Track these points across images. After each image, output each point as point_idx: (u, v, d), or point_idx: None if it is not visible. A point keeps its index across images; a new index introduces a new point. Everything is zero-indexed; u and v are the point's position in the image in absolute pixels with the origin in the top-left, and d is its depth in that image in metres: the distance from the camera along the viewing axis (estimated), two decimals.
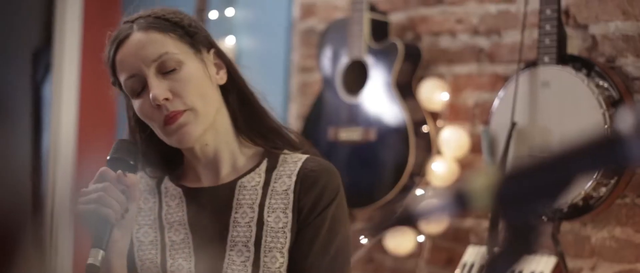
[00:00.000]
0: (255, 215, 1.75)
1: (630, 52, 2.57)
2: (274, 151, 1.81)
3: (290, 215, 1.74)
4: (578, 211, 2.57)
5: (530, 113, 2.62)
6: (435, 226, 2.90)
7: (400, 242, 3.00)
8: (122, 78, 1.73)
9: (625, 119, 0.82)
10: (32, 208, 5.19)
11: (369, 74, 3.11)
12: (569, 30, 2.69)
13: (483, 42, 2.99)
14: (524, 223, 0.80)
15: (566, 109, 2.56)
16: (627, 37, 2.58)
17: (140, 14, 1.77)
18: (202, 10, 3.87)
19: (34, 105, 5.24)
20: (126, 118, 1.85)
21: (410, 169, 2.98)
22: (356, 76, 3.14)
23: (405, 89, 3.08)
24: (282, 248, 1.73)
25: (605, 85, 2.52)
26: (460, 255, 2.89)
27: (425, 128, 3.03)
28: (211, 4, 3.95)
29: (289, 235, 1.74)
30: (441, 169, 2.97)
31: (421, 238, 3.02)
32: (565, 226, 2.69)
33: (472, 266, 2.82)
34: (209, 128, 1.74)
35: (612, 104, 2.49)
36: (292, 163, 1.78)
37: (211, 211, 1.77)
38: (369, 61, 3.11)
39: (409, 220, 0.83)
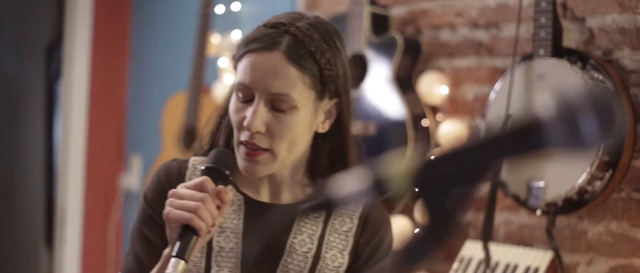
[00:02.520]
0: (314, 247, 1.73)
1: (626, 45, 2.55)
2: None
3: (347, 257, 1.74)
4: (573, 205, 2.55)
5: (525, 105, 2.61)
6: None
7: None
8: (238, 76, 1.68)
9: (546, 104, 0.81)
10: (44, 200, 5.23)
11: (369, 67, 3.10)
12: (566, 23, 2.68)
13: (482, 35, 2.98)
14: (442, 208, 0.80)
15: None
16: (624, 30, 2.56)
17: (299, 26, 1.68)
18: (208, 5, 3.88)
19: (47, 99, 5.28)
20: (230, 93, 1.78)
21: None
22: (356, 70, 3.14)
23: (405, 83, 3.07)
24: None
25: (601, 78, 2.50)
26: (458, 250, 2.88)
27: (424, 122, 3.02)
28: None
29: None
30: None
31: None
32: (562, 220, 2.67)
33: (470, 260, 2.81)
34: (283, 167, 1.71)
35: (616, 98, 2.47)
36: (349, 215, 1.77)
37: (269, 228, 1.74)
38: (369, 54, 3.11)
39: (329, 204, 0.83)
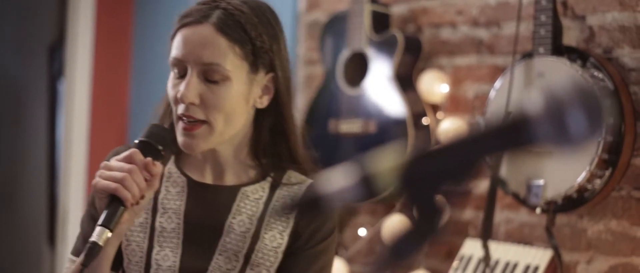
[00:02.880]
0: (253, 227, 1.74)
1: (626, 43, 2.55)
2: (279, 166, 1.79)
3: (286, 238, 1.74)
4: (573, 203, 2.55)
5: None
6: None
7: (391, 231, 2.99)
8: (172, 53, 1.71)
9: (533, 100, 0.81)
10: (47, 199, 5.24)
11: (370, 66, 3.10)
12: (567, 21, 2.67)
13: (483, 33, 2.98)
14: (428, 205, 0.80)
15: None
16: (624, 28, 2.55)
17: (230, 1, 1.71)
18: None
19: (49, 99, 5.29)
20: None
21: None
22: (357, 68, 3.14)
23: (405, 81, 3.07)
24: (270, 267, 1.73)
25: (601, 76, 2.49)
26: (458, 248, 2.88)
27: (425, 120, 3.02)
28: None
29: (280, 256, 1.73)
30: None
31: None
32: (562, 219, 2.67)
33: (470, 259, 2.81)
34: (222, 141, 1.73)
35: (607, 95, 2.47)
36: (297, 185, 1.78)
37: (210, 209, 1.75)
38: (370, 53, 3.11)
39: (316, 202, 0.83)
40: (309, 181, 1.79)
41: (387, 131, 3.05)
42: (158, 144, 1.66)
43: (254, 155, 1.79)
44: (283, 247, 1.73)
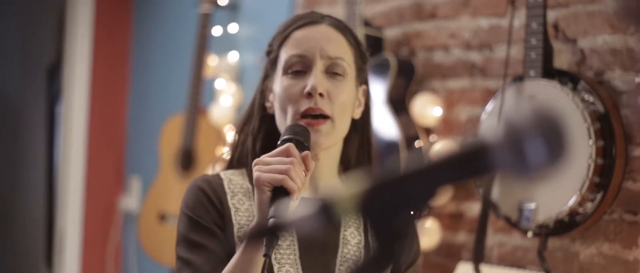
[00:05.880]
0: (363, 238, 1.79)
1: (617, 66, 2.54)
2: None
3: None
4: (564, 227, 2.54)
5: None
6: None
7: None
8: (287, 52, 1.75)
9: (492, 129, 0.81)
10: (45, 221, 5.23)
11: None
12: (558, 44, 2.67)
13: (475, 56, 2.98)
14: (388, 232, 0.79)
15: None
16: (615, 51, 2.55)
17: (329, 15, 1.82)
18: (206, 26, 3.89)
19: (48, 120, 5.30)
20: (253, 100, 1.85)
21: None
22: None
23: (398, 104, 3.07)
24: None
25: (591, 99, 2.49)
26: (451, 271, 2.87)
27: (418, 143, 3.01)
28: (214, 20, 3.97)
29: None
30: None
31: None
32: (555, 242, 2.66)
33: None
34: (337, 142, 1.77)
35: (598, 118, 2.46)
36: None
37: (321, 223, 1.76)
38: None
39: (278, 228, 0.83)
40: None
41: (380, 154, 3.04)
42: (305, 141, 1.67)
43: (343, 168, 1.83)
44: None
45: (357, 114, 1.81)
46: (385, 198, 0.81)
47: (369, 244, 1.78)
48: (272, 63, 1.79)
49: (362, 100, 1.82)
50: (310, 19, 1.78)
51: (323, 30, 1.76)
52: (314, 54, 1.73)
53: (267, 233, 1.45)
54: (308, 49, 1.73)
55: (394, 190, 0.81)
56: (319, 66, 1.72)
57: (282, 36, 1.77)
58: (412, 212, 0.80)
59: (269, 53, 1.81)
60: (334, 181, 1.81)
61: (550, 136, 0.80)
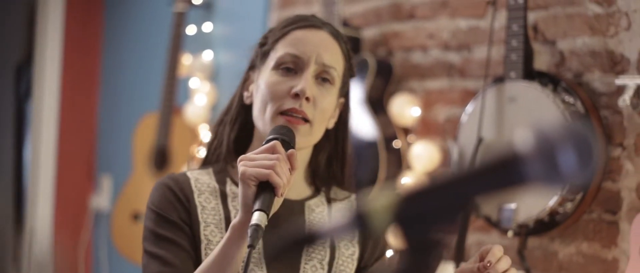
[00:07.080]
0: (357, 250, 1.84)
1: (596, 68, 2.58)
2: (327, 182, 1.89)
3: (357, 246, 1.84)
4: (544, 226, 2.57)
5: (497, 128, 2.63)
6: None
7: None
8: (283, 49, 1.76)
9: (525, 140, 0.82)
10: (13, 220, 5.18)
11: None
12: (538, 46, 2.70)
13: (454, 57, 3.00)
14: (422, 243, 0.80)
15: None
16: (594, 53, 2.58)
17: (330, 23, 1.84)
18: (180, 25, 3.88)
19: (16, 119, 5.24)
20: (236, 91, 1.86)
21: (380, 184, 2.98)
22: None
23: (376, 104, 3.08)
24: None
25: (571, 100, 2.52)
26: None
27: (396, 143, 3.03)
28: (189, 19, 3.96)
29: (355, 263, 1.83)
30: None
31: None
32: (534, 241, 2.69)
33: None
34: (309, 145, 1.80)
35: (578, 119, 2.49)
36: (346, 198, 1.89)
37: (284, 223, 1.76)
38: None
39: (313, 238, 0.83)
40: (353, 194, 1.90)
41: (358, 154, 3.06)
42: (291, 141, 1.68)
43: (311, 173, 1.87)
44: (356, 255, 1.83)
45: (331, 124, 1.84)
46: (418, 208, 0.82)
47: (334, 243, 1.81)
48: (263, 55, 1.81)
49: (337, 112, 1.85)
50: (312, 23, 1.80)
51: (322, 37, 1.78)
52: (310, 58, 1.75)
53: (252, 227, 1.48)
54: (305, 51, 1.75)
55: (426, 201, 0.82)
56: (311, 70, 1.75)
57: (281, 32, 1.79)
58: (444, 223, 0.81)
59: (262, 45, 1.82)
60: (299, 182, 1.84)
61: (580, 148, 0.81)
